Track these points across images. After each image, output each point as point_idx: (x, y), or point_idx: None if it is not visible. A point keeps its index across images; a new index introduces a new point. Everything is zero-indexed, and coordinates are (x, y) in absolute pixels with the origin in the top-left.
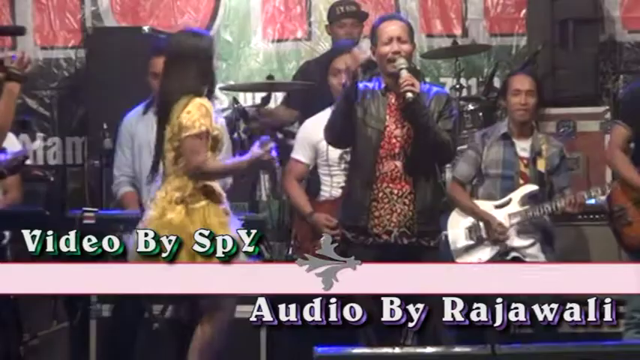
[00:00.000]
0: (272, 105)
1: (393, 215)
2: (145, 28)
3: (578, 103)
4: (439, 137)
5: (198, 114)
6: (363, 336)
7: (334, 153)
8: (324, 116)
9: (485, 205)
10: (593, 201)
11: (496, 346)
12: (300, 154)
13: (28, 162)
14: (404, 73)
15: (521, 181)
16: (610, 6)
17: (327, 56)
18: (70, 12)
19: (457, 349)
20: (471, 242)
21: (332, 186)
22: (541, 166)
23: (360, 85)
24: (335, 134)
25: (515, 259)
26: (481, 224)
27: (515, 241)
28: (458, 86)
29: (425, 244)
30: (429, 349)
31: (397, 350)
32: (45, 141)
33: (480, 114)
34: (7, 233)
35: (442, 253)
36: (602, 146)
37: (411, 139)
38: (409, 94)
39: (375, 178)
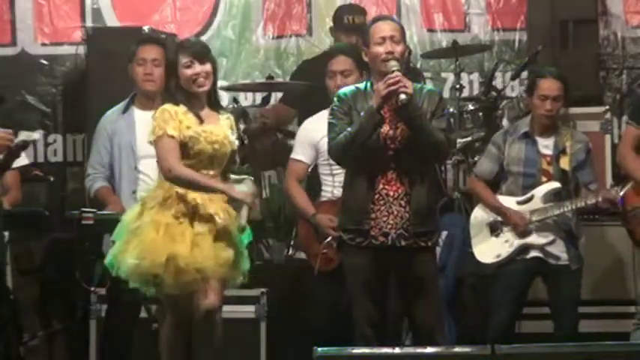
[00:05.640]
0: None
1: (390, 217)
2: (145, 28)
3: (578, 103)
4: (433, 137)
5: (160, 119)
6: None
7: None
8: (323, 115)
9: (508, 202)
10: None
11: (496, 346)
12: (300, 153)
13: (28, 161)
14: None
15: (544, 179)
16: (613, 2)
17: (324, 57)
18: (71, 9)
19: (457, 349)
20: (492, 239)
21: (334, 185)
22: (565, 163)
23: (352, 88)
24: (349, 156)
25: (536, 259)
26: (502, 220)
27: (537, 239)
28: (458, 86)
29: (423, 245)
30: (429, 349)
31: (397, 350)
32: (46, 138)
33: (480, 114)
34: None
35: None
36: (603, 146)
37: (405, 140)
38: (402, 96)
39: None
